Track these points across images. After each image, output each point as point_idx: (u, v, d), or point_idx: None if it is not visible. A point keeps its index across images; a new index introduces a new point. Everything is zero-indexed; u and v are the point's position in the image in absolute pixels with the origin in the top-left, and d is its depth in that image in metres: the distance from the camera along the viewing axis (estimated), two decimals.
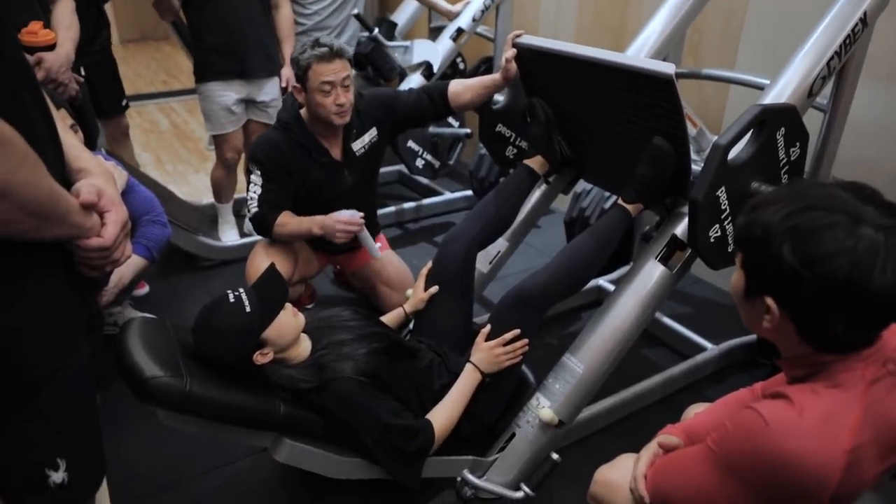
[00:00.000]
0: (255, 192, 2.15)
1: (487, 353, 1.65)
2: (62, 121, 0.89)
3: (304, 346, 1.57)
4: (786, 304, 0.89)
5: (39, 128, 0.79)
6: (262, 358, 1.47)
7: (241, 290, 1.48)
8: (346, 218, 2.08)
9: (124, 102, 2.91)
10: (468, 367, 1.65)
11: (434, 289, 1.85)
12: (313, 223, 2.13)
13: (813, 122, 1.74)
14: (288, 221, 2.16)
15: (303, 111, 2.17)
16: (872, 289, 0.81)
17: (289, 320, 1.50)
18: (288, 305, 1.52)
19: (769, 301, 0.90)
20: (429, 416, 1.59)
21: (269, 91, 2.84)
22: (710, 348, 2.22)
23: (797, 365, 0.96)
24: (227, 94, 2.71)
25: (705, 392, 2.12)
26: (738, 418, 0.92)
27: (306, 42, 2.06)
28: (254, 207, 2.15)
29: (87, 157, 0.88)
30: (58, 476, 0.86)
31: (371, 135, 2.26)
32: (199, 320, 1.47)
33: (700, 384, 2.16)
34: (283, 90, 2.87)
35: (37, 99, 0.80)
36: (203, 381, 1.38)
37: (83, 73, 2.51)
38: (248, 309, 1.43)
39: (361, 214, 2.12)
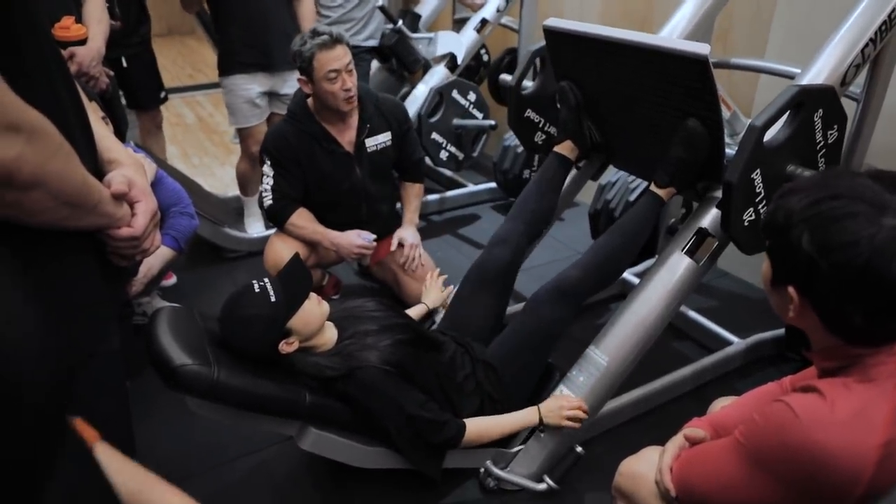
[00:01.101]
0: (267, 184, 2.20)
1: (556, 402, 1.64)
2: (94, 112, 0.90)
3: (330, 335, 1.58)
4: (806, 294, 0.87)
5: (72, 119, 0.80)
6: (287, 347, 1.49)
7: (266, 279, 1.49)
8: (363, 243, 2.20)
9: (163, 95, 2.95)
10: (533, 408, 1.65)
11: (447, 285, 1.99)
12: (327, 237, 2.21)
13: (846, 111, 1.70)
14: (303, 226, 2.22)
15: (309, 101, 2.19)
16: (891, 279, 0.79)
17: (313, 309, 1.51)
18: (312, 294, 1.53)
19: (791, 290, 0.89)
20: (467, 421, 1.59)
21: (293, 84, 2.84)
22: (737, 342, 2.19)
23: (828, 357, 0.94)
24: (251, 86, 2.73)
25: (732, 386, 2.09)
26: (767, 411, 0.91)
27: (304, 33, 2.08)
28: (268, 199, 2.21)
29: (119, 149, 0.89)
30: None
31: (386, 138, 2.29)
32: (225, 310, 1.48)
33: (726, 378, 2.13)
34: None
35: (70, 91, 0.82)
36: (230, 370, 1.40)
37: (125, 64, 2.55)
38: (272, 298, 1.45)
39: (374, 237, 2.23)
